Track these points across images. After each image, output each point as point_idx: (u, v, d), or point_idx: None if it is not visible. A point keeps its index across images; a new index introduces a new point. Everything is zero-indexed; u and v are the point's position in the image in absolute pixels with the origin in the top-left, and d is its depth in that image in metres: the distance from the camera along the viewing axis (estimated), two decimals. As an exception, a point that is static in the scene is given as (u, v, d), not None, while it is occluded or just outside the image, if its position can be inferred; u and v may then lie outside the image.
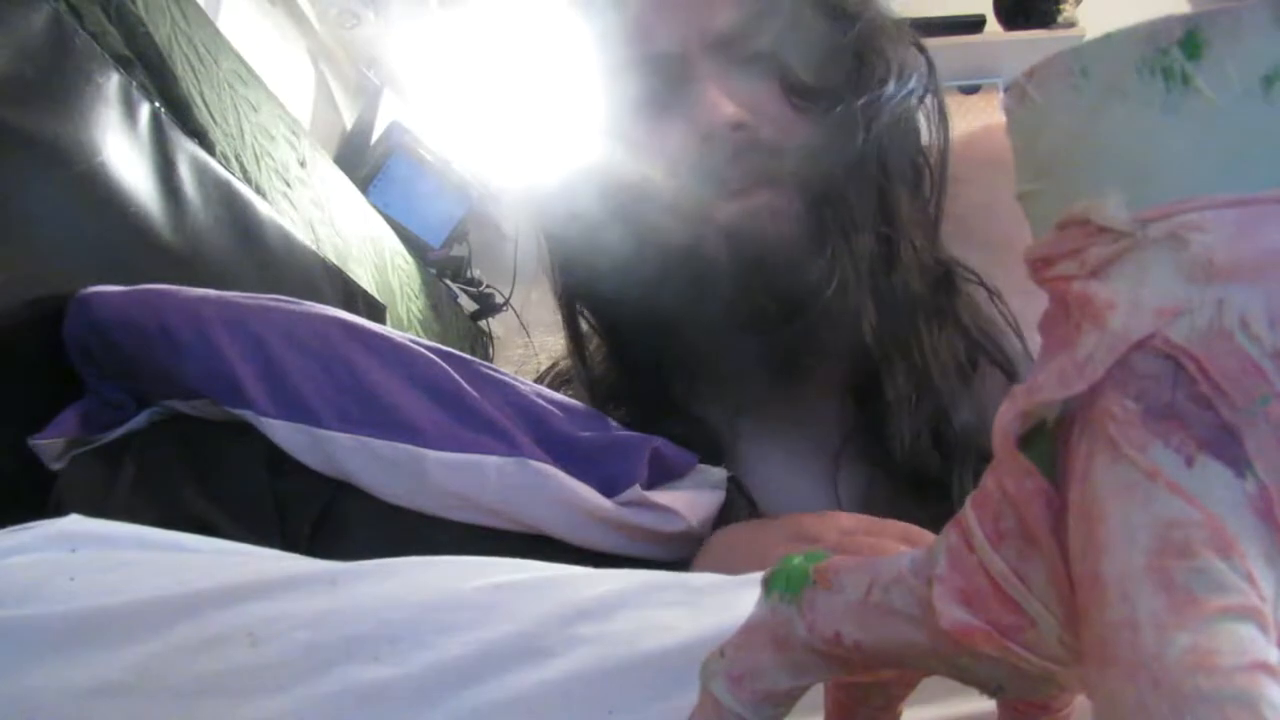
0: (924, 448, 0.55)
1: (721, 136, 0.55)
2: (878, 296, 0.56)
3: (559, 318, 0.67)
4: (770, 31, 0.56)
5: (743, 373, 0.60)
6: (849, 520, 0.49)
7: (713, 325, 0.57)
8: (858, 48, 0.58)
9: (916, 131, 0.60)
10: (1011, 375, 0.57)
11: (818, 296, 0.54)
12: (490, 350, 1.83)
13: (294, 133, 1.05)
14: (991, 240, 0.59)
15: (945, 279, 0.59)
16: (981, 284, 0.59)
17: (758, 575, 0.22)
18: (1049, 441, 0.18)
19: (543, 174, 0.65)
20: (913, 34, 0.61)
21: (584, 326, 0.67)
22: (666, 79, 0.57)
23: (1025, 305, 0.58)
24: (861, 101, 0.55)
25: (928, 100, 0.60)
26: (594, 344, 0.67)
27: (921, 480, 0.55)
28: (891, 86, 0.57)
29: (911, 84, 0.58)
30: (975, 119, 2.16)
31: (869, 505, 0.58)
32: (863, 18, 0.58)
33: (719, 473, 0.56)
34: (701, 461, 0.56)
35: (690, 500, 0.52)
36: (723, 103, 0.55)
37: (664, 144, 0.57)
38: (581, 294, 0.66)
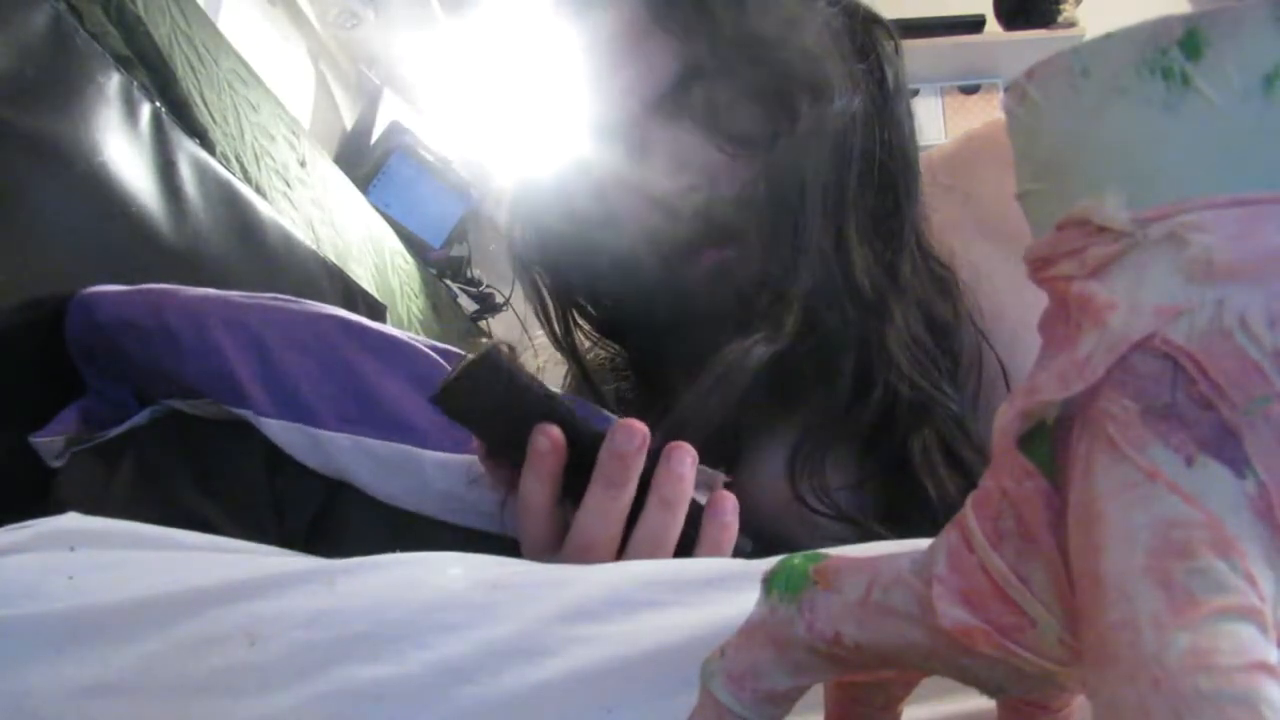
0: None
1: (675, 202, 0.53)
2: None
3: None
4: (705, 80, 0.53)
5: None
6: None
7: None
8: (778, 83, 0.52)
9: (865, 150, 0.53)
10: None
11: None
12: (490, 350, 1.83)
13: (294, 133, 1.05)
14: (1008, 234, 0.57)
15: (924, 407, 0.53)
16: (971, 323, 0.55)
17: (757, 574, 0.22)
18: (1049, 441, 0.18)
19: (534, 179, 0.63)
20: (880, 31, 0.56)
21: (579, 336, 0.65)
22: (618, 144, 0.56)
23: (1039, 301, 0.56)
24: (779, 146, 0.51)
25: (895, 107, 0.54)
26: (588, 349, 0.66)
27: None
28: (807, 119, 0.51)
29: (839, 104, 0.51)
30: (975, 119, 2.16)
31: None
32: (786, 46, 0.52)
33: (717, 475, 0.56)
34: (710, 451, 0.55)
35: None
36: (668, 167, 0.53)
37: (627, 204, 0.56)
38: (576, 300, 0.64)
